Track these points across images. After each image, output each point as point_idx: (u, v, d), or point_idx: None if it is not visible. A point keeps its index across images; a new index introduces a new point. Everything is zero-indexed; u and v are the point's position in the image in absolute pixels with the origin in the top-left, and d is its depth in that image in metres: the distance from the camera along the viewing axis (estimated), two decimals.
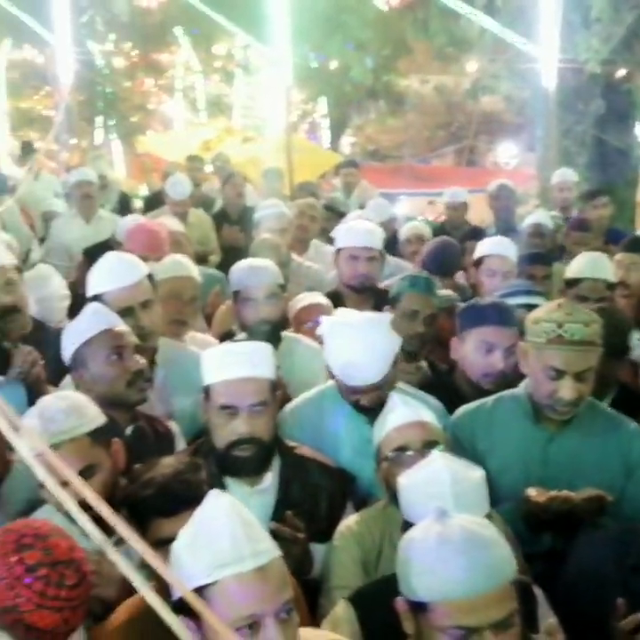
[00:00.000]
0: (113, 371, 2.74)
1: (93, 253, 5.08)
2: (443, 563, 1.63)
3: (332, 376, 2.88)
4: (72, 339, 2.81)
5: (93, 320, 2.79)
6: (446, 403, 2.95)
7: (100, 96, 14.11)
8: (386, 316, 2.93)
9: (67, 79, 8.90)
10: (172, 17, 13.66)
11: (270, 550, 1.64)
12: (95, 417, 2.38)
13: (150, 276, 3.17)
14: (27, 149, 8.43)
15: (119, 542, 1.20)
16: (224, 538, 1.59)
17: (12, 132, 14.95)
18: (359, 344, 2.69)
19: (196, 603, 1.18)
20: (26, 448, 1.15)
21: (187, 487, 2.12)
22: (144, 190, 11.25)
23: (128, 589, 2.19)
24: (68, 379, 3.05)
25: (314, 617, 2.29)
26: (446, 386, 3.21)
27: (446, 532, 1.65)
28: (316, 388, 3.01)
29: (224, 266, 5.47)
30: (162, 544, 1.95)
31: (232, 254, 5.84)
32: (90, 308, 2.85)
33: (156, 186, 9.47)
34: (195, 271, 3.67)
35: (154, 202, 8.23)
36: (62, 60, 8.98)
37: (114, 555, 1.08)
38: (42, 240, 6.20)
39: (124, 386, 2.75)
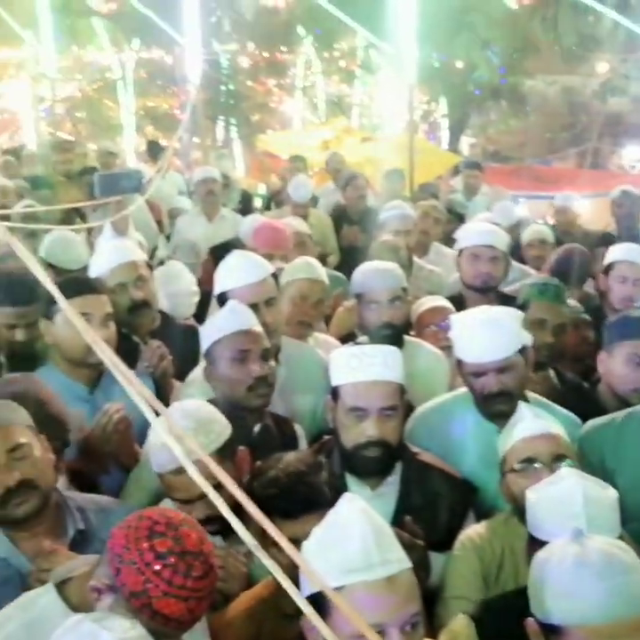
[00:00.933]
0: (234, 374, 2.77)
1: (218, 252, 5.21)
2: (581, 586, 1.57)
3: (463, 380, 2.84)
4: (208, 334, 2.86)
5: (229, 319, 2.82)
6: (583, 416, 2.87)
7: (223, 95, 14.41)
8: (517, 311, 2.89)
9: (194, 79, 9.12)
10: (296, 16, 13.81)
11: (401, 560, 1.62)
12: (222, 432, 2.37)
13: (275, 275, 3.20)
14: (154, 148, 8.68)
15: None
16: (355, 543, 1.59)
17: (137, 130, 15.45)
18: (485, 319, 2.70)
19: (336, 598, 1.18)
20: (181, 451, 1.18)
21: (309, 490, 2.12)
22: (262, 189, 11.42)
23: (248, 585, 2.24)
24: (195, 373, 3.12)
25: (429, 626, 2.26)
26: (584, 398, 3.13)
27: (584, 554, 1.60)
28: (447, 395, 2.98)
29: (343, 266, 5.51)
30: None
31: (351, 255, 5.86)
32: (228, 306, 2.87)
33: (275, 185, 9.61)
34: (324, 274, 3.69)
35: (273, 201, 8.37)
36: (190, 60, 9.20)
37: (263, 556, 1.09)
38: (167, 237, 6.36)
39: (245, 390, 2.76)
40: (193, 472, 1.20)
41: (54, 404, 2.54)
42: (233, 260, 3.20)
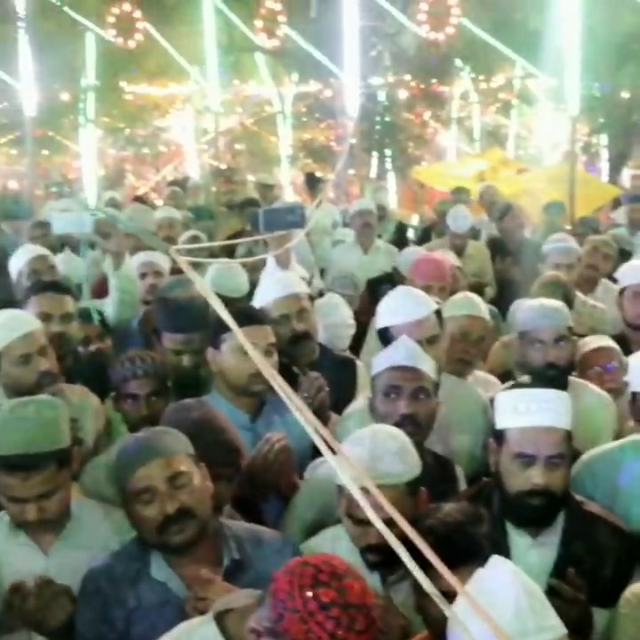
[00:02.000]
0: (383, 409, 2.77)
1: (376, 284, 5.24)
2: None
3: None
4: (375, 366, 2.86)
5: (387, 354, 2.82)
6: None
7: (378, 127, 14.55)
8: None
9: (352, 112, 9.25)
10: (455, 49, 13.81)
11: (556, 627, 1.55)
12: (415, 466, 2.36)
13: (438, 312, 3.17)
14: (312, 180, 8.85)
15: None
16: (508, 608, 1.53)
17: (293, 163, 15.83)
18: None
19: None
20: (348, 477, 1.17)
21: (468, 542, 2.06)
22: (415, 220, 11.41)
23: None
24: (354, 405, 3.12)
25: None
26: None
27: None
28: (616, 442, 2.85)
29: (498, 299, 5.41)
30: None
31: (506, 288, 5.74)
32: (400, 342, 2.86)
33: (428, 216, 9.57)
34: (485, 311, 3.62)
35: (428, 233, 8.33)
36: (349, 93, 9.35)
37: (445, 606, 1.06)
38: (321, 270, 6.44)
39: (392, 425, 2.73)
40: (365, 505, 1.18)
41: (230, 432, 2.60)
42: (397, 295, 3.20)
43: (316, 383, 3.19)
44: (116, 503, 2.58)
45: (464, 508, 2.21)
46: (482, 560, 1.76)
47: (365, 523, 2.22)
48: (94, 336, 3.68)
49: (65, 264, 4.73)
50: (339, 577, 1.66)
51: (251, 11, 13.24)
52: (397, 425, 2.68)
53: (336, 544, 2.41)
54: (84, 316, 3.63)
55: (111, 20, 12.17)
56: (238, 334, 1.48)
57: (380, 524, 1.10)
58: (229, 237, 6.68)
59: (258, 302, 3.43)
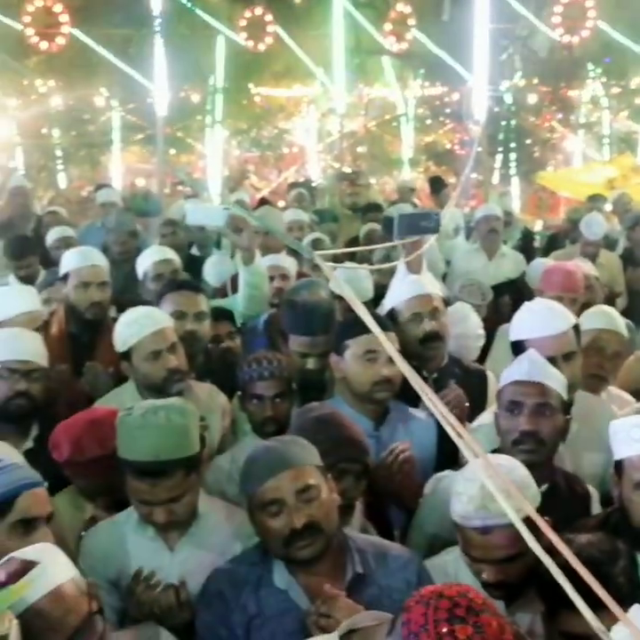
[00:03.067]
0: (503, 425, 2.68)
1: (500, 292, 5.12)
2: None
3: None
4: (501, 379, 2.78)
5: (513, 369, 2.73)
6: None
7: (503, 131, 14.28)
8: None
9: (480, 115, 9.11)
10: (588, 52, 13.41)
11: None
12: (535, 497, 2.26)
13: (576, 327, 3.05)
14: (436, 183, 8.74)
15: None
16: None
17: (413, 166, 15.71)
18: None
19: None
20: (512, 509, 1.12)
21: (604, 583, 1.96)
22: (538, 226, 11.12)
23: None
24: (482, 418, 3.05)
25: None
26: None
27: None
28: None
29: (630, 311, 5.19)
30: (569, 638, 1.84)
31: (638, 298, 5.52)
32: (525, 356, 2.76)
33: (553, 223, 9.31)
34: (622, 325, 3.48)
35: (555, 240, 8.11)
36: (477, 96, 9.21)
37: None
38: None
39: (510, 443, 2.65)
40: (525, 533, 1.13)
41: (355, 429, 2.59)
42: (534, 307, 3.10)
43: (457, 396, 3.13)
44: (236, 502, 2.61)
45: (598, 541, 2.09)
46: (620, 601, 1.66)
47: (482, 561, 2.16)
48: (225, 335, 3.72)
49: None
50: (476, 612, 1.59)
51: (380, 14, 13.22)
52: (517, 442, 2.61)
53: (459, 566, 2.35)
54: (216, 314, 3.68)
55: (243, 23, 12.36)
56: (383, 341, 1.46)
57: (541, 553, 1.04)
58: (351, 241, 6.66)
59: (389, 303, 3.42)
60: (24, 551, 1.73)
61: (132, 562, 2.40)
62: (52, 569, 1.74)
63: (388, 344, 1.45)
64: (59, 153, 14.84)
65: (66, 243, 5.40)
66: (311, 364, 3.28)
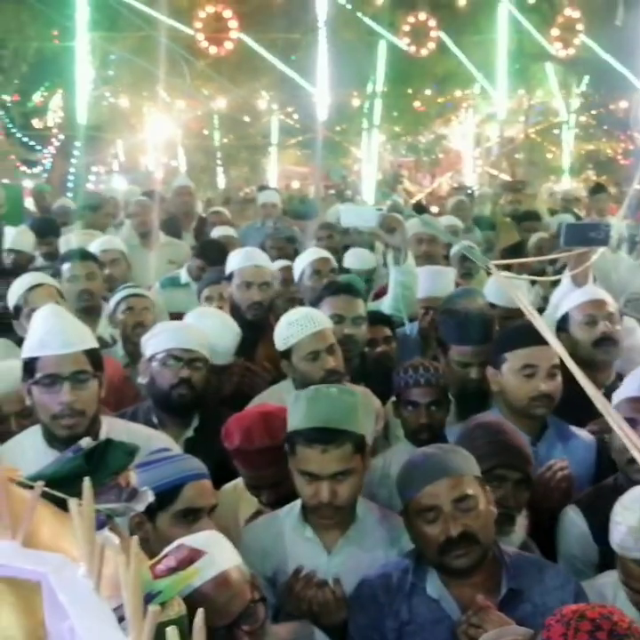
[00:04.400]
0: (620, 444, 2.52)
1: None
2: None
3: None
4: (616, 396, 2.70)
5: (632, 384, 2.63)
6: None
7: None
8: None
9: None
10: None
11: None
12: None
13: None
14: (596, 191, 8.44)
15: None
16: None
17: (572, 174, 15.25)
18: None
19: None
20: None
21: None
22: None
23: None
24: None
25: None
26: None
27: None
28: None
29: None
30: None
31: None
32: (638, 370, 2.67)
33: None
34: None
35: None
36: None
37: None
38: None
39: (625, 462, 2.55)
40: None
41: (516, 436, 2.55)
42: None
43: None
44: (387, 506, 2.61)
45: None
46: None
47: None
48: (381, 339, 3.74)
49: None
50: (619, 637, 1.52)
51: (546, 18, 12.91)
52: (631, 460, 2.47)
53: (618, 590, 2.27)
54: (373, 318, 3.70)
55: (406, 28, 12.38)
56: (559, 350, 1.42)
57: None
58: (507, 249, 6.55)
59: (562, 309, 3.36)
60: (193, 538, 1.79)
61: (288, 560, 2.42)
62: (220, 556, 1.79)
63: (562, 351, 1.41)
64: (219, 154, 15.36)
65: (228, 242, 5.58)
66: (474, 373, 3.23)
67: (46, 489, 1.38)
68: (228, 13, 11.12)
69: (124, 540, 1.46)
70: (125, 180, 14.83)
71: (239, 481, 2.81)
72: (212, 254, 5.04)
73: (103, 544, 1.23)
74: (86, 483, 1.27)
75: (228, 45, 11.18)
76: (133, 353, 3.79)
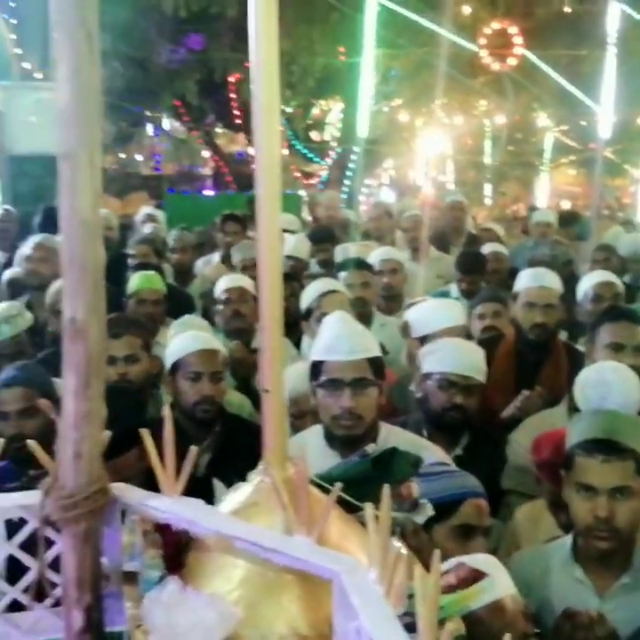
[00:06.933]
0: None
1: None
2: None
3: None
4: None
5: None
6: None
7: None
8: None
9: None
10: None
11: None
12: None
13: None
14: None
15: None
16: None
17: None
18: None
19: None
20: None
21: None
22: None
23: None
24: None
25: None
26: None
27: None
28: None
29: None
30: None
31: None
32: None
33: None
34: None
35: None
36: None
37: None
38: None
39: None
40: None
41: None
42: None
43: None
44: None
45: None
46: None
47: None
48: None
49: None
50: None
51: None
52: None
53: None
54: None
55: None
56: None
57: None
58: None
59: None
60: (473, 559, 1.76)
61: (553, 598, 2.27)
62: (499, 581, 1.75)
63: None
64: (490, 171, 15.24)
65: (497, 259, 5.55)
66: None
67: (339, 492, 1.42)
68: (513, 29, 11.04)
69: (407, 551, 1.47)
70: (394, 193, 15.14)
71: (538, 501, 2.77)
72: (468, 266, 5.07)
73: (397, 553, 1.24)
74: (386, 490, 1.28)
75: (512, 61, 11.12)
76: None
